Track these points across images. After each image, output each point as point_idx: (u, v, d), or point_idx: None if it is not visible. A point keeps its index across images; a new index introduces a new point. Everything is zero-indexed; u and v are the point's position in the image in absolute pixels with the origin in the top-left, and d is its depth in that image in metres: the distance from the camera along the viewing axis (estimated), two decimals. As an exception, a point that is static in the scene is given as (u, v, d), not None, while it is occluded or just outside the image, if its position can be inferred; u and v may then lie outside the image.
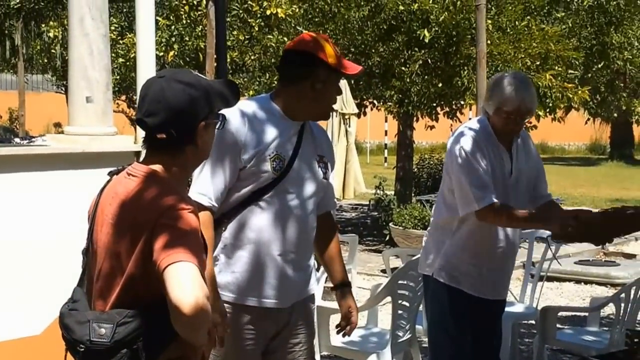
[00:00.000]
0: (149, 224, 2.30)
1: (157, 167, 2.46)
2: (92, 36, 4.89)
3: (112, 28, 14.48)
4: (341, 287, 3.55)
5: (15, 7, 17.94)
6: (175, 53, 12.29)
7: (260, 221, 3.18)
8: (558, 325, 5.74)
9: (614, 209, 4.04)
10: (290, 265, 3.26)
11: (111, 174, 2.58)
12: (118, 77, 13.24)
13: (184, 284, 2.14)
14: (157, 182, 2.41)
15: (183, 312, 2.11)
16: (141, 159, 5.15)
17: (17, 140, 6.33)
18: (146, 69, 5.18)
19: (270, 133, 3.21)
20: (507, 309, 4.58)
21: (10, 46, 19.68)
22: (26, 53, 19.90)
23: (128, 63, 13.08)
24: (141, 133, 5.00)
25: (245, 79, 12.88)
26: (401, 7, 11.78)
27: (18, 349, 4.38)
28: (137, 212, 2.36)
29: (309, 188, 3.28)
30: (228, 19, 11.16)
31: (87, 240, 2.57)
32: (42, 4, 17.42)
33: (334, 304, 3.67)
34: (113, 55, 11.57)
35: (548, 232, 5.58)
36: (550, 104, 11.84)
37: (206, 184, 3.14)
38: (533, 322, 6.57)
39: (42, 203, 4.47)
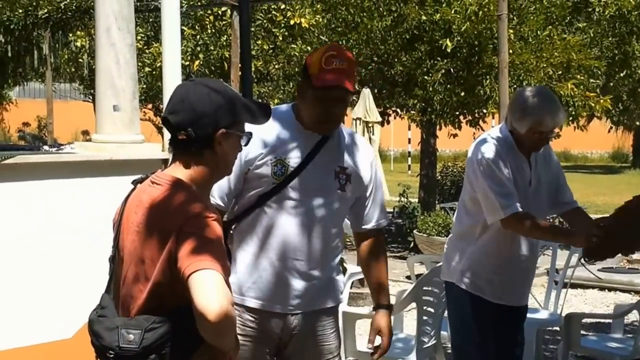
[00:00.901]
0: (173, 231, 2.34)
1: (181, 175, 2.50)
2: (119, 46, 4.96)
3: (139, 37, 14.59)
4: (376, 308, 3.58)
5: (43, 17, 18.14)
6: (201, 62, 12.41)
7: (262, 225, 3.23)
8: (582, 332, 5.75)
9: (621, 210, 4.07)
10: (293, 272, 3.26)
11: (135, 182, 2.63)
12: (144, 85, 13.39)
13: (208, 291, 2.18)
14: (181, 190, 2.45)
15: (208, 319, 2.15)
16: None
17: (45, 147, 6.43)
18: (172, 78, 5.24)
19: (278, 139, 3.24)
20: (531, 315, 4.60)
21: (39, 55, 19.86)
22: (54, 62, 20.09)
23: (154, 72, 13.23)
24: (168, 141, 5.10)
25: (270, 88, 12.97)
26: (424, 17, 11.84)
27: (50, 353, 4.46)
28: (162, 219, 2.40)
29: (318, 198, 3.23)
30: (252, 29, 11.25)
31: (113, 248, 2.62)
32: (70, 14, 17.60)
33: (359, 309, 3.70)
34: (139, 64, 11.69)
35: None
36: (573, 113, 11.83)
37: (221, 187, 3.25)
38: (557, 328, 6.56)
39: (71, 210, 4.54)
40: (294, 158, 3.21)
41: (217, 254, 2.29)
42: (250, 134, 2.60)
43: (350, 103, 13.55)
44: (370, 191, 3.37)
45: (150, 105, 15.84)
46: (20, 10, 18.65)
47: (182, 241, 2.30)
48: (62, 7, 17.51)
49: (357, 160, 3.34)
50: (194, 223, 2.34)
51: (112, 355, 2.37)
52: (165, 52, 5.46)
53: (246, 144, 2.62)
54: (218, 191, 3.23)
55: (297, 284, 3.27)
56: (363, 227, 3.44)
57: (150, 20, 15.33)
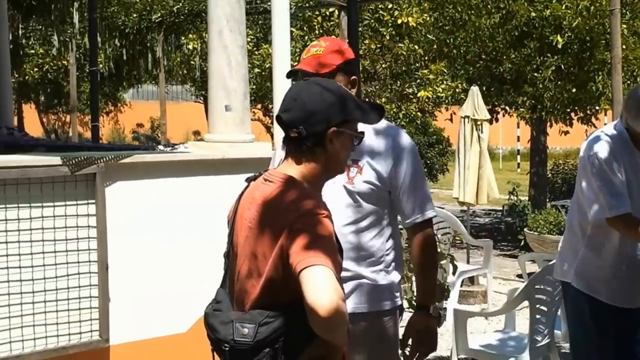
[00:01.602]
0: (285, 228, 2.37)
1: (292, 173, 2.54)
2: (231, 48, 5.06)
3: (248, 39, 14.82)
4: (415, 307, 3.42)
5: (156, 21, 18.67)
6: (309, 62, 12.49)
7: None
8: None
9: None
10: None
11: (248, 180, 2.69)
12: (254, 86, 13.59)
13: (319, 287, 2.19)
14: (294, 187, 2.48)
15: (319, 315, 2.16)
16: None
17: (160, 147, 6.63)
18: (281, 79, 5.31)
19: None
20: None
21: (152, 58, 20.47)
22: (167, 65, 20.65)
23: (264, 73, 13.41)
24: (277, 141, 5.18)
25: (377, 87, 12.98)
26: (533, 14, 11.64)
27: (166, 346, 4.60)
28: (275, 216, 2.44)
29: (331, 195, 3.09)
30: (360, 29, 11.27)
31: (227, 244, 2.68)
32: (182, 17, 18.06)
33: (471, 307, 3.63)
34: (249, 65, 11.87)
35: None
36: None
37: None
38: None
39: (185, 207, 4.68)
40: None
41: (328, 250, 2.31)
42: (362, 134, 2.62)
43: (456, 101, 13.28)
44: (400, 186, 3.20)
45: (259, 106, 16.06)
46: (135, 15, 19.24)
47: (294, 238, 2.33)
48: (175, 10, 17.97)
49: (375, 152, 3.21)
50: (305, 220, 2.37)
51: (227, 348, 2.43)
52: (275, 53, 5.56)
53: (358, 144, 2.64)
54: None
55: None
56: (405, 222, 3.28)
57: (260, 22, 15.58)
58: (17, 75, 21.08)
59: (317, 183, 2.58)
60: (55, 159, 4.26)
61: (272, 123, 11.18)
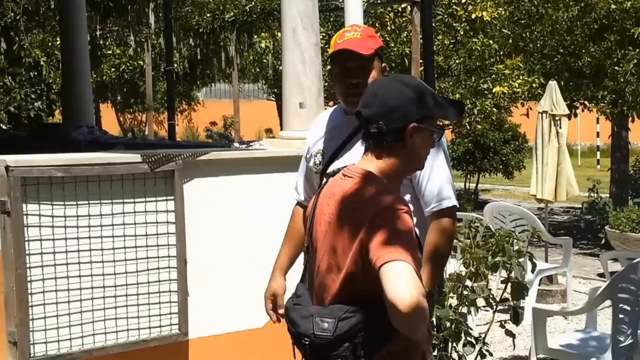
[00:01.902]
0: (364, 223, 2.37)
1: (372, 168, 2.54)
2: (304, 45, 5.08)
3: (320, 37, 14.81)
4: None
5: (229, 20, 18.86)
6: (382, 59, 12.46)
7: None
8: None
9: None
10: None
11: (328, 175, 2.70)
12: (326, 83, 13.59)
13: (399, 282, 2.19)
14: (373, 183, 2.48)
15: (399, 310, 2.15)
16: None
17: (236, 145, 6.70)
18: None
19: (323, 131, 3.30)
20: None
21: (225, 57, 20.66)
22: (240, 63, 20.85)
23: (333, 70, 13.39)
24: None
25: (450, 83, 12.88)
26: (613, 6, 11.39)
27: (243, 340, 4.65)
28: (354, 211, 2.44)
29: None
30: (433, 24, 11.20)
31: (307, 239, 2.69)
32: (255, 16, 18.20)
33: (550, 306, 3.54)
34: (322, 62, 11.90)
35: None
36: None
37: (297, 177, 3.43)
38: None
39: (262, 203, 4.71)
40: (332, 146, 3.18)
41: (408, 246, 2.30)
42: (442, 131, 2.61)
43: (532, 96, 12.98)
44: (418, 174, 3.10)
45: (331, 103, 16.09)
46: (208, 15, 19.47)
47: (373, 233, 2.33)
48: (247, 9, 18.13)
49: None
50: (384, 215, 2.36)
51: (307, 342, 2.44)
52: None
53: (438, 140, 2.62)
54: (297, 185, 3.42)
55: None
56: (425, 211, 3.17)
57: (331, 19, 15.59)
58: (94, 76, 21.54)
59: (396, 178, 2.57)
60: (135, 157, 4.34)
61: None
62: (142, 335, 4.32)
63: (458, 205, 3.18)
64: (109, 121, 25.20)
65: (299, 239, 3.30)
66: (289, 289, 3.24)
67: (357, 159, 3.04)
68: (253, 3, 18.12)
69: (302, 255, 3.29)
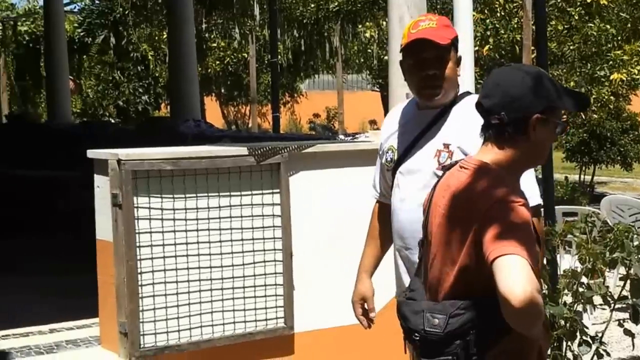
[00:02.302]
0: (478, 216, 2.30)
1: (489, 160, 2.46)
2: (412, 34, 5.00)
3: (426, 25, 14.57)
4: None
5: (333, 10, 18.89)
6: (490, 46, 12.24)
7: (391, 216, 3.12)
8: None
9: None
10: (402, 263, 3.10)
11: (445, 168, 2.64)
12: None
13: (512, 276, 2.13)
14: (488, 175, 2.40)
15: (512, 305, 2.10)
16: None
17: (341, 137, 6.66)
18: (463, 65, 5.19)
19: (395, 127, 3.11)
20: None
21: (329, 48, 20.72)
22: (344, 54, 20.86)
23: (444, 59, 13.23)
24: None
25: (564, 70, 12.52)
26: None
27: (348, 335, 4.59)
28: (468, 203, 2.38)
29: (417, 181, 2.98)
30: (545, 9, 10.91)
31: (422, 232, 2.64)
32: (359, 5, 18.17)
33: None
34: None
35: None
36: None
37: (374, 174, 3.27)
38: None
39: (366, 196, 4.64)
40: (405, 142, 3.04)
41: (523, 239, 2.22)
42: (564, 123, 2.49)
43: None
44: None
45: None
46: (312, 5, 19.56)
47: (487, 226, 2.26)
48: (353, -1, 18.09)
49: (466, 134, 2.92)
50: (499, 207, 2.29)
51: (417, 338, 2.40)
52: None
53: (560, 133, 2.51)
54: (375, 182, 3.26)
55: (408, 277, 3.03)
56: None
57: (438, 6, 15.41)
58: (200, 69, 21.90)
59: (515, 171, 2.49)
60: (242, 150, 4.35)
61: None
62: (249, 328, 4.33)
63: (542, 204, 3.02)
64: (213, 114, 25.60)
65: (382, 237, 3.23)
66: (391, 285, 3.18)
67: (429, 156, 2.96)
68: (359, -8, 18.09)
69: (388, 254, 3.23)
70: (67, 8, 21.17)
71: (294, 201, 4.44)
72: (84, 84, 22.07)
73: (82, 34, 21.26)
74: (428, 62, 2.94)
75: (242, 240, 4.30)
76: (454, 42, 2.99)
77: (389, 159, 3.10)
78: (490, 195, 2.33)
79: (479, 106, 2.48)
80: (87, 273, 4.43)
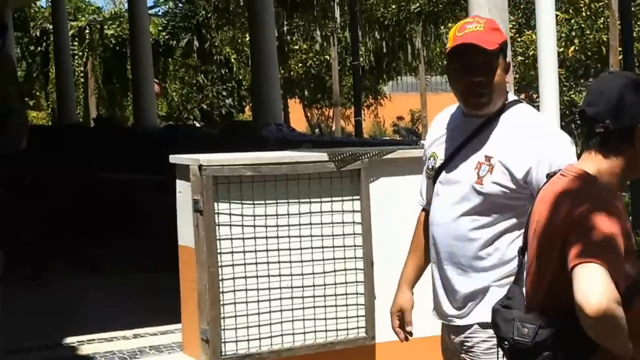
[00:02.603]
0: (568, 223, 2.27)
1: (591, 168, 2.40)
2: (495, 35, 4.92)
3: (510, 26, 14.44)
4: None
5: (415, 11, 18.77)
6: (576, 47, 11.98)
7: (429, 226, 2.98)
8: None
9: None
10: (437, 277, 2.94)
11: (549, 175, 2.56)
12: (517, 75, 13.23)
13: (589, 285, 2.10)
14: (584, 183, 2.36)
15: (586, 314, 2.08)
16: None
17: (422, 142, 6.58)
18: (547, 66, 5.08)
19: (440, 132, 2.95)
20: None
21: (411, 50, 20.60)
22: (426, 56, 20.71)
23: (527, 61, 13.03)
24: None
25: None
26: None
27: (430, 346, 4.48)
28: (561, 211, 2.33)
29: (455, 194, 2.82)
30: (633, 9, 10.61)
31: (523, 239, 2.60)
32: (441, 6, 18.02)
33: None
34: (512, 53, 11.59)
35: None
36: None
37: (421, 181, 3.08)
38: None
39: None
40: (447, 150, 2.88)
41: (607, 249, 2.18)
42: None
43: None
44: (535, 193, 2.70)
45: (522, 95, 15.64)
46: (394, 6, 19.48)
47: (575, 234, 2.23)
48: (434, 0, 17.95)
49: (510, 147, 2.78)
50: (588, 216, 2.24)
51: (507, 346, 2.39)
52: (539, 38, 5.28)
53: None
54: (420, 190, 3.08)
55: (440, 292, 2.94)
56: None
57: (522, 6, 15.14)
58: (282, 71, 22.04)
59: (617, 181, 2.44)
60: (322, 155, 4.32)
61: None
62: (329, 338, 4.30)
63: None
64: (297, 117, 25.70)
65: (425, 248, 3.07)
66: (417, 303, 3.09)
67: (470, 167, 2.79)
68: (441, -8, 17.94)
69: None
70: (152, 11, 21.59)
71: (375, 208, 4.38)
72: (169, 87, 22.43)
73: (166, 37, 21.61)
74: (474, 68, 2.77)
75: (322, 247, 4.27)
76: (503, 46, 2.82)
77: (430, 166, 2.94)
78: (582, 204, 2.28)
79: (582, 114, 2.42)
80: (171, 278, 4.49)
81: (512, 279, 2.72)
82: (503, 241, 2.82)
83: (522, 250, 2.57)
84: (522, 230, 2.73)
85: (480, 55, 2.75)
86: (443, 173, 2.87)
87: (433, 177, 2.90)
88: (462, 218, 2.82)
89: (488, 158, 2.79)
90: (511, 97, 2.88)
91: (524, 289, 2.54)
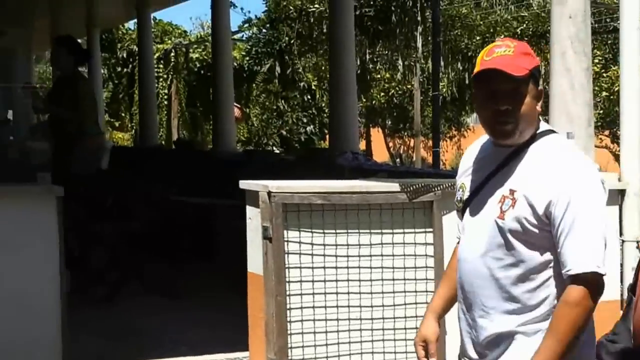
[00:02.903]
0: None
1: None
2: (574, 70, 4.82)
3: (596, 61, 14.15)
4: None
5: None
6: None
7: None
8: None
9: None
10: (462, 318, 2.74)
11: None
12: (601, 111, 12.97)
13: None
14: None
15: None
16: (626, 197, 4.88)
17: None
18: (630, 102, 4.96)
19: (471, 162, 2.78)
20: None
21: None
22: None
23: (612, 97, 12.77)
24: (626, 170, 4.78)
25: None
26: None
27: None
28: None
29: (479, 228, 2.63)
30: None
31: (633, 278, 2.61)
32: (526, 39, 17.80)
33: None
34: (596, 88, 11.36)
35: None
36: None
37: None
38: None
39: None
40: (475, 181, 2.70)
41: None
42: None
43: None
44: (557, 227, 2.53)
45: (607, 132, 15.30)
46: (478, 37, 19.35)
47: None
48: (519, 32, 17.77)
49: (534, 181, 2.59)
50: None
51: None
52: (622, 74, 5.16)
53: None
54: (460, 224, 2.83)
55: (467, 333, 2.73)
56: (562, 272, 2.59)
57: (609, 42, 14.85)
58: (364, 100, 22.04)
59: None
60: (394, 186, 4.28)
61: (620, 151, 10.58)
62: (397, 372, 4.23)
63: (604, 274, 2.53)
64: (379, 146, 25.63)
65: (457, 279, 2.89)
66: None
67: (494, 201, 2.61)
68: (525, 25, 17.72)
69: None
70: (236, 36, 21.88)
71: (447, 241, 4.31)
72: (251, 112, 22.67)
73: (250, 62, 21.85)
74: (500, 95, 2.58)
75: (392, 280, 4.21)
76: (534, 73, 2.61)
77: (458, 197, 2.78)
78: None
79: None
80: (243, 304, 4.47)
81: (540, 325, 2.56)
82: (529, 283, 2.60)
83: (632, 288, 2.56)
84: (552, 273, 2.59)
85: (507, 82, 2.56)
86: (470, 206, 2.71)
87: (462, 209, 2.75)
88: (485, 256, 2.63)
89: (512, 192, 2.60)
90: (543, 126, 2.67)
91: (630, 327, 2.52)
